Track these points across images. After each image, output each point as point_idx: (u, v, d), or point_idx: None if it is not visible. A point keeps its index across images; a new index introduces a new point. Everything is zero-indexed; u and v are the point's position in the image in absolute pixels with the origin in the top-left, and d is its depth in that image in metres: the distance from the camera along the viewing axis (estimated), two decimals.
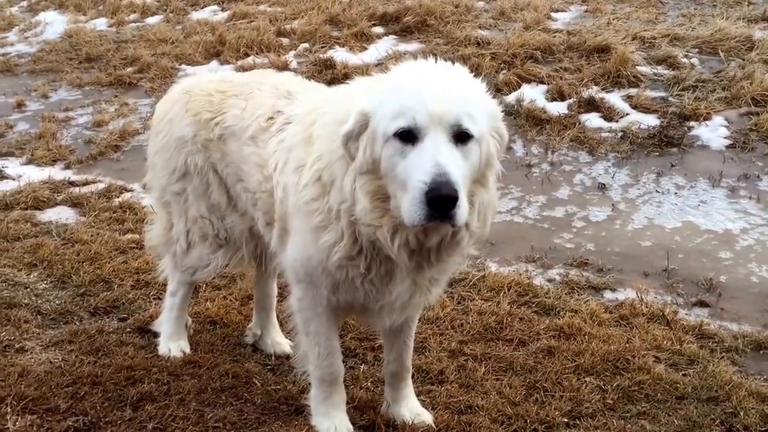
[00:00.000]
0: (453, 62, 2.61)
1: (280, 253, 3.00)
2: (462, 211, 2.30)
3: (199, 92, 3.34)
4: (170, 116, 3.38)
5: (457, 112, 2.36)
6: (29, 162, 6.36)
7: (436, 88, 2.41)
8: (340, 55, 7.72)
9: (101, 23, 9.99)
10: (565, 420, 3.15)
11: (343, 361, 3.11)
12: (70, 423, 3.02)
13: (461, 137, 2.38)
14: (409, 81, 2.47)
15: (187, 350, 3.59)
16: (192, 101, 3.33)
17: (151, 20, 9.87)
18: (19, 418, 3.01)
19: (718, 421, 3.14)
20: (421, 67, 2.55)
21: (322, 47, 8.04)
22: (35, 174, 5.98)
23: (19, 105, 7.69)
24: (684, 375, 3.47)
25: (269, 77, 3.36)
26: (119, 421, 3.05)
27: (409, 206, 2.30)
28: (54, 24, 9.94)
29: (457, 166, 2.32)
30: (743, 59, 6.80)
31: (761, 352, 3.72)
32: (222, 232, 3.33)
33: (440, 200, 2.24)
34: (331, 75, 7.23)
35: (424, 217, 2.28)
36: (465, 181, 2.36)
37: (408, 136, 2.36)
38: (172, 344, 3.58)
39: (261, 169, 3.01)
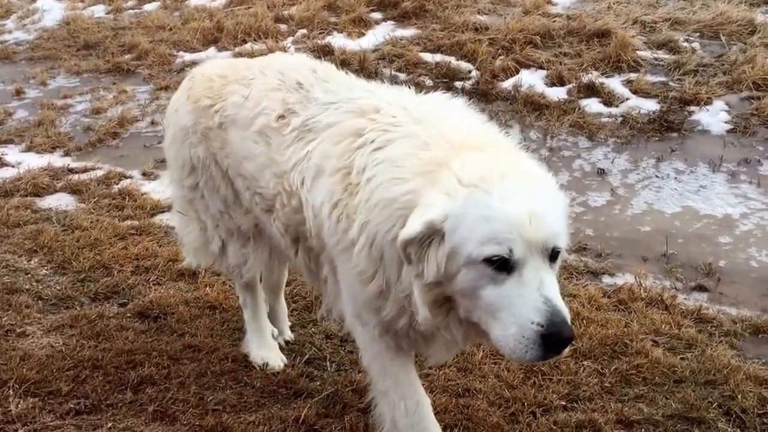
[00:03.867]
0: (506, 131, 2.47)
1: (336, 299, 2.75)
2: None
3: (201, 78, 3.16)
4: (177, 106, 3.22)
5: (552, 234, 2.15)
6: (28, 149, 6.34)
7: (528, 207, 2.13)
8: (338, 40, 7.70)
9: (99, 10, 9.94)
10: (563, 403, 3.17)
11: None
12: (72, 405, 3.05)
13: (553, 257, 2.18)
14: (494, 196, 2.14)
15: (281, 362, 3.40)
16: (193, 88, 3.15)
17: (149, 7, 9.82)
18: (22, 401, 3.04)
19: (716, 404, 3.15)
20: (500, 172, 2.21)
21: (320, 33, 8.01)
22: (35, 161, 5.98)
23: (18, 92, 7.66)
24: (682, 359, 3.48)
25: (277, 60, 3.14)
26: (120, 404, 3.07)
27: (515, 343, 2.10)
28: (51, 11, 9.88)
29: (559, 293, 2.14)
30: (745, 43, 6.77)
31: (760, 336, 3.73)
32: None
33: (561, 344, 2.09)
34: (329, 61, 7.16)
35: (537, 357, 2.09)
36: None
37: (503, 266, 2.12)
38: (263, 353, 3.39)
39: (279, 179, 2.73)
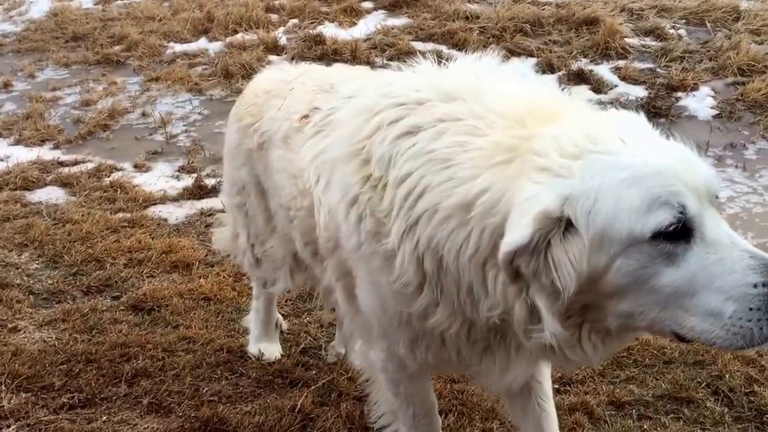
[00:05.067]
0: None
1: (351, 314, 2.37)
2: None
3: (249, 92, 2.92)
4: (230, 119, 3.00)
5: (712, 174, 1.75)
6: (17, 142, 6.30)
7: (671, 152, 1.75)
8: (329, 30, 7.67)
9: (87, 1, 9.85)
10: (556, 386, 3.19)
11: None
12: (66, 400, 3.04)
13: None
14: (625, 152, 1.68)
15: (278, 353, 3.41)
16: (240, 103, 2.93)
17: None
18: (14, 397, 3.04)
19: (704, 384, 3.20)
20: (608, 128, 1.75)
21: (312, 23, 7.98)
22: (24, 154, 5.94)
23: (6, 85, 7.60)
24: (671, 340, 3.52)
25: (327, 69, 2.86)
26: (114, 397, 3.08)
27: (740, 323, 1.59)
28: (38, 2, 9.78)
29: None
30: (730, 29, 6.83)
31: None
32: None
33: None
34: (321, 51, 7.19)
35: None
36: None
37: (679, 233, 1.61)
38: (261, 345, 3.40)
39: (294, 179, 2.40)
